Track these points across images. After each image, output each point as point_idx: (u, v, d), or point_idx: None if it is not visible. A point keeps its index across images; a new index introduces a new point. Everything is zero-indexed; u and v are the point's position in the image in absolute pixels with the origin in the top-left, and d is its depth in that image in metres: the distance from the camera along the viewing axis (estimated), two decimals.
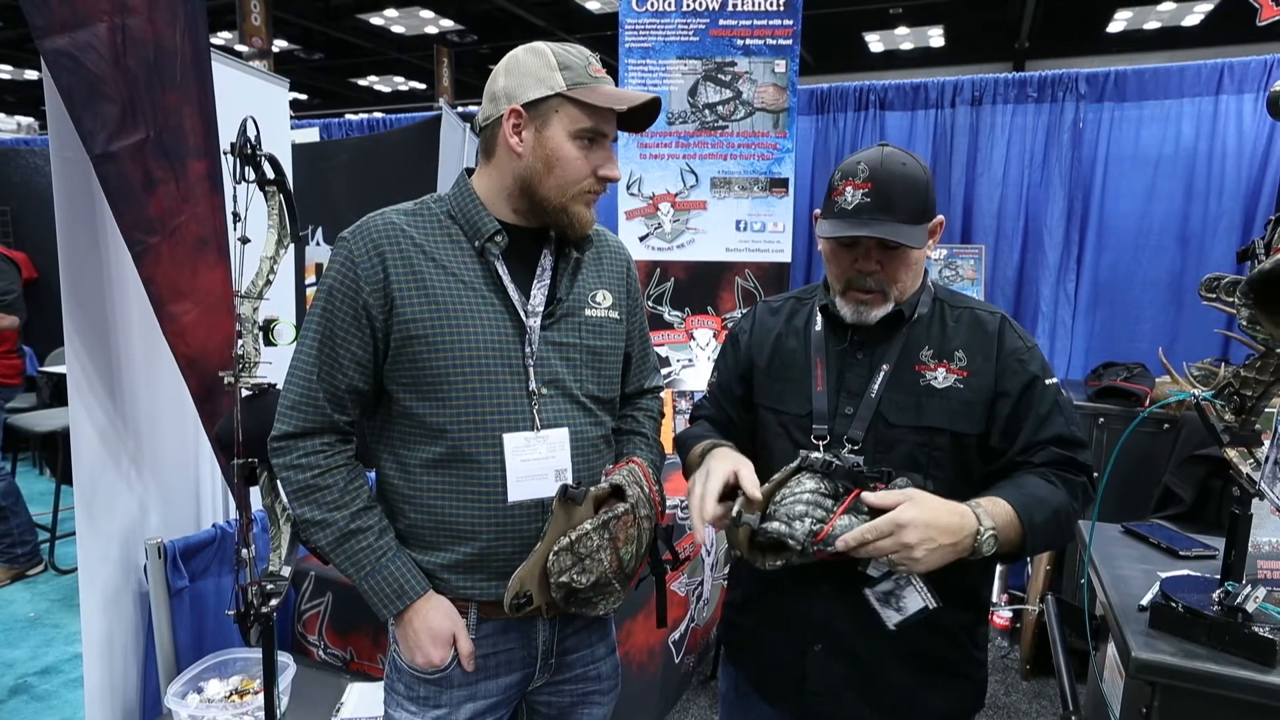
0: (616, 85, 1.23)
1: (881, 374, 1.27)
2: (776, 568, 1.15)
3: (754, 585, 1.42)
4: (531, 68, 1.19)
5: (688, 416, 1.57)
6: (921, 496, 1.10)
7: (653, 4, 3.51)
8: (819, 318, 1.36)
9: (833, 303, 1.32)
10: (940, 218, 1.29)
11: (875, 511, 1.10)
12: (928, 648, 1.28)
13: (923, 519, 1.07)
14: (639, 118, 1.23)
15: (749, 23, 3.48)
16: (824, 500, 1.13)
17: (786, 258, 3.59)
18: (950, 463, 1.25)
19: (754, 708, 1.42)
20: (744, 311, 1.50)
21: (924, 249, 1.26)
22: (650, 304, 3.61)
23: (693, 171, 3.59)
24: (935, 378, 1.26)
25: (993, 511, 1.13)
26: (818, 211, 1.31)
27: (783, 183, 3.54)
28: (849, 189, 1.22)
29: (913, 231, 1.21)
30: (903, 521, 1.06)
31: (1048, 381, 1.26)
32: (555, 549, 1.16)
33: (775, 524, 1.13)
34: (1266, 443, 1.33)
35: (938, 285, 1.36)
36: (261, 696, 1.58)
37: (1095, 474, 1.27)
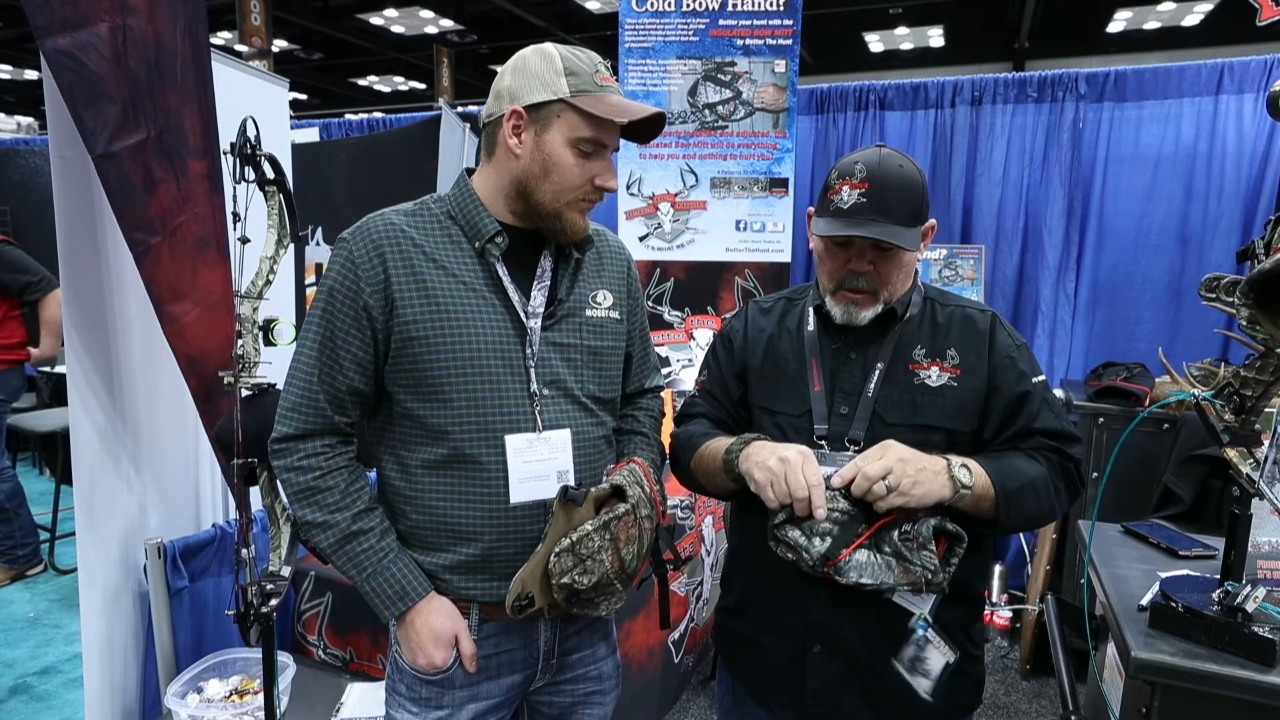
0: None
1: (877, 373, 1.28)
2: (786, 559, 1.16)
3: (749, 589, 1.40)
4: (537, 70, 1.18)
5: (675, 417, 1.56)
6: None
7: (653, 4, 3.51)
8: (812, 318, 1.36)
9: (824, 302, 1.32)
10: (932, 221, 1.30)
11: (895, 551, 1.11)
12: None
13: (900, 447, 1.13)
14: (644, 129, 1.22)
15: (749, 23, 3.48)
16: (851, 524, 1.13)
17: (786, 258, 3.59)
18: None
19: (751, 712, 1.42)
20: (735, 312, 1.50)
21: (917, 251, 1.27)
22: (650, 304, 3.61)
23: (692, 171, 3.59)
24: (929, 376, 1.26)
25: (960, 456, 1.18)
26: (811, 209, 1.32)
27: (782, 183, 3.54)
28: (845, 188, 1.22)
29: (907, 234, 1.22)
30: (885, 446, 1.13)
31: (1035, 380, 1.27)
32: (557, 550, 1.16)
33: (797, 533, 1.13)
34: (1266, 442, 1.33)
35: (927, 285, 1.37)
36: (261, 696, 1.58)
37: (1087, 471, 1.28)
